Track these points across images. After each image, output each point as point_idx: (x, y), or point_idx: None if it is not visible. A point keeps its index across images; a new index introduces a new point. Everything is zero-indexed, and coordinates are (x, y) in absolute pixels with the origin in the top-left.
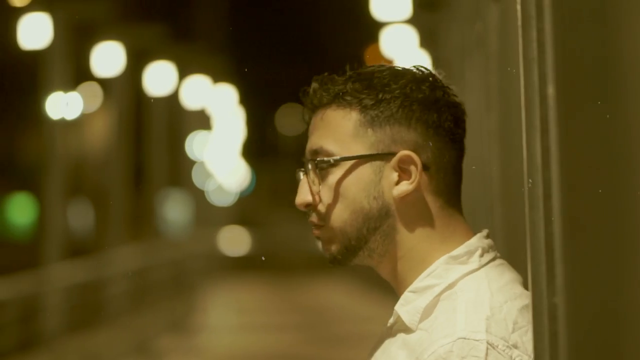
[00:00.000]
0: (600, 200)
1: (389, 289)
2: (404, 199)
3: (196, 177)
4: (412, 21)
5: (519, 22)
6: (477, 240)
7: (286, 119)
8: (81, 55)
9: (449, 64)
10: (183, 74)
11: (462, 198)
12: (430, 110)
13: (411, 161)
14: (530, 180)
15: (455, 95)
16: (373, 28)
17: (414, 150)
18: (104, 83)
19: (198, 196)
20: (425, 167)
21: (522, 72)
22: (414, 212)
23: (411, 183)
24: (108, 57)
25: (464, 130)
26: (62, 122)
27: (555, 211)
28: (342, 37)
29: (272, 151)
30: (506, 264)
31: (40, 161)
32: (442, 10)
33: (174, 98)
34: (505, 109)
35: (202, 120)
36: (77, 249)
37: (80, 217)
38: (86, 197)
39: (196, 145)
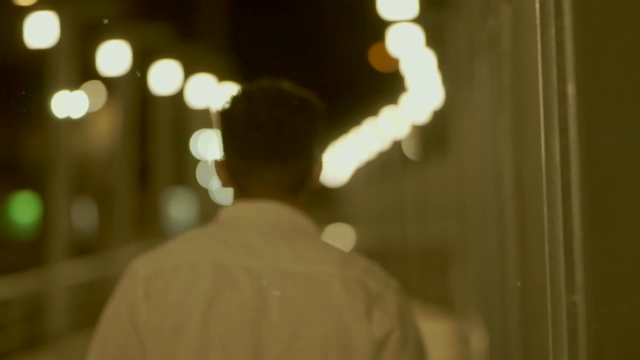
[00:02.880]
0: (620, 198)
1: None
2: None
3: (200, 176)
4: (418, 20)
5: (537, 21)
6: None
7: None
8: (86, 54)
9: (455, 63)
10: (188, 72)
11: (473, 196)
12: None
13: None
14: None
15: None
16: (379, 27)
17: None
18: (109, 82)
19: (202, 195)
20: None
21: (540, 71)
22: None
23: None
24: (113, 56)
25: None
26: (67, 121)
27: (575, 210)
28: (347, 36)
29: None
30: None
31: (45, 160)
32: (450, 9)
33: (178, 97)
34: (518, 109)
35: (206, 119)
36: (82, 248)
37: (84, 215)
38: (91, 196)
39: (201, 143)
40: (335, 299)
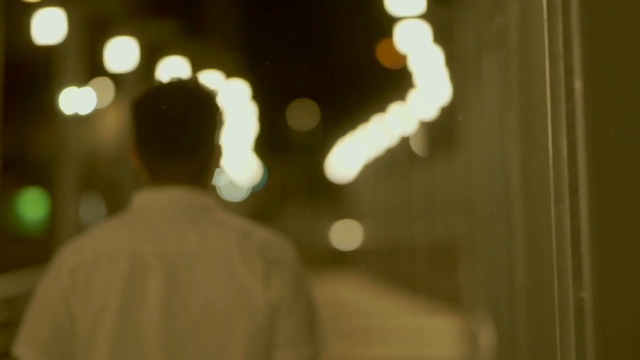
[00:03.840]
0: (627, 193)
1: (400, 285)
2: None
3: None
4: (426, 16)
5: (545, 17)
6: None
7: (297, 114)
8: (94, 50)
9: (464, 59)
10: (195, 69)
11: (481, 193)
12: None
13: None
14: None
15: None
16: (386, 23)
17: None
18: (117, 78)
19: (210, 192)
20: None
21: (548, 67)
22: None
23: None
24: (121, 52)
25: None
26: (75, 117)
27: (582, 205)
28: (354, 32)
29: (284, 146)
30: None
31: (52, 156)
32: (457, 5)
33: None
34: (526, 104)
35: None
36: None
37: (92, 212)
38: (99, 192)
39: None
40: (236, 271)
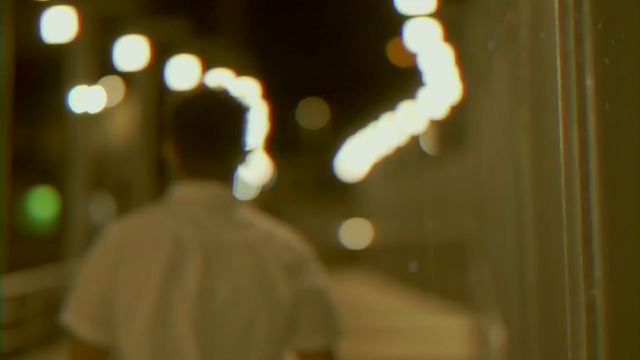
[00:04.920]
0: None
1: (410, 283)
2: None
3: None
4: (436, 15)
5: (556, 14)
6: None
7: (308, 113)
8: (104, 48)
9: (474, 58)
10: (205, 67)
11: (491, 191)
12: None
13: None
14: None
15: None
16: (396, 21)
17: None
18: (127, 76)
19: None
20: None
21: (559, 65)
22: None
23: None
24: (131, 51)
25: None
26: (85, 116)
27: (594, 203)
28: (364, 31)
29: (294, 145)
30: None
31: (62, 154)
32: (467, 4)
33: None
34: (537, 102)
35: None
36: None
37: (102, 210)
38: (108, 191)
39: None
40: (264, 262)
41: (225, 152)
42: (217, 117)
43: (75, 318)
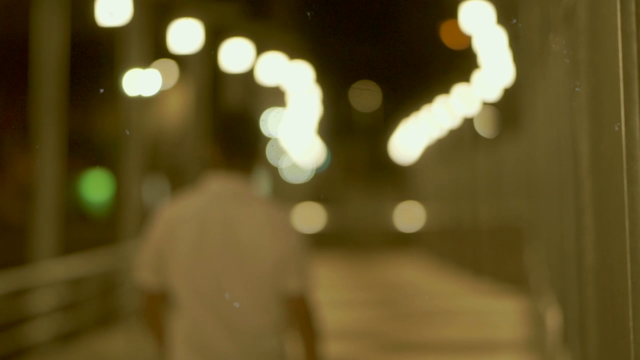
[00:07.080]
0: None
1: (461, 266)
2: None
3: (271, 154)
4: None
5: None
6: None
7: (360, 96)
8: (158, 32)
9: (529, 40)
10: (259, 50)
11: (551, 173)
12: None
13: None
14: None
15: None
16: (451, 3)
17: None
18: (181, 60)
19: (272, 172)
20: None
21: (620, 46)
22: None
23: None
24: (185, 34)
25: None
26: (139, 99)
27: None
28: (419, 13)
29: (347, 128)
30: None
31: (117, 138)
32: None
33: (249, 75)
34: (597, 84)
35: (277, 97)
36: None
37: (156, 193)
38: (162, 174)
39: (271, 122)
40: (264, 230)
41: (245, 152)
42: (240, 129)
43: (141, 271)
